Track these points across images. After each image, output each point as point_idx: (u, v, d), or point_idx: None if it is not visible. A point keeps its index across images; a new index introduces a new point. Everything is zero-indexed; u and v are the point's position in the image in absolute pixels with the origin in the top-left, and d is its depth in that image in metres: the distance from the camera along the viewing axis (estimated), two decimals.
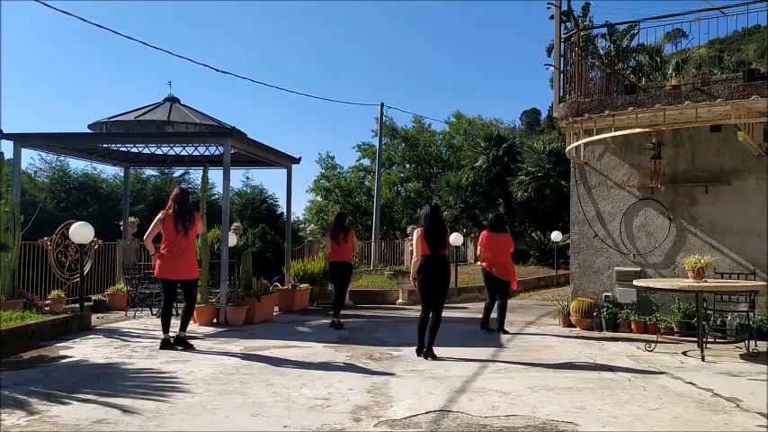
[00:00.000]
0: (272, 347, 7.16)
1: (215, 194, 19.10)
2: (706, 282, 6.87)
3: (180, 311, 9.97)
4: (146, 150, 11.75)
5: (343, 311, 9.32)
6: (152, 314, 9.99)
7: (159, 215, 7.16)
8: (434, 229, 6.60)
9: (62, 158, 17.97)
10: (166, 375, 5.65)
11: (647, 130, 7.98)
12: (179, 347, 7.00)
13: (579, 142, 8.62)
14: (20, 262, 9.34)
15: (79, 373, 5.73)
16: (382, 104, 24.84)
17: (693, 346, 7.05)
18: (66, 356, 6.54)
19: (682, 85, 8.17)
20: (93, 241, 10.68)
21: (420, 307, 6.81)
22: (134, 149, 11.78)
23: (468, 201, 24.86)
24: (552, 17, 8.84)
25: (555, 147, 23.36)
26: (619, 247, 8.94)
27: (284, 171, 12.31)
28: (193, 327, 8.80)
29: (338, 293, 9.13)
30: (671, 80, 8.46)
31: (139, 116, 10.45)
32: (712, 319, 7.91)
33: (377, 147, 26.97)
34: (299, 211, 41.81)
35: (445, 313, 10.57)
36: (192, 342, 7.23)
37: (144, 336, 7.98)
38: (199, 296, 9.22)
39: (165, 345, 7.00)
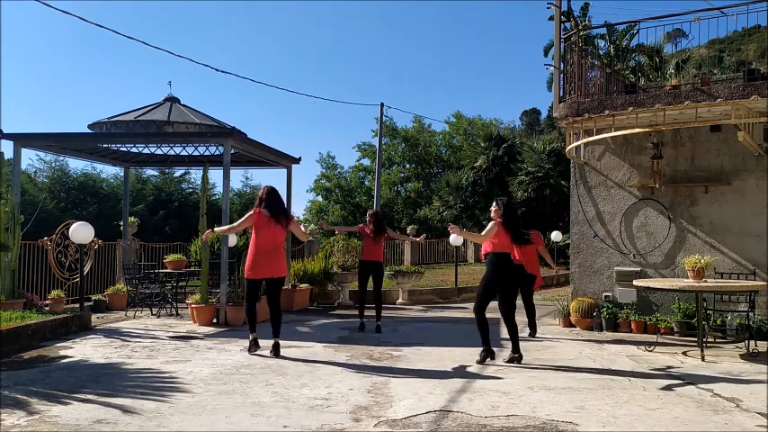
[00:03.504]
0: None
1: (215, 194, 19.12)
2: (706, 282, 6.87)
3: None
4: (146, 150, 11.76)
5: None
6: (152, 314, 10.00)
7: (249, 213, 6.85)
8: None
9: (62, 158, 18.03)
10: (166, 375, 5.65)
11: (647, 130, 7.98)
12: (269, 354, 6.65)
13: (579, 142, 8.62)
14: (20, 262, 9.34)
15: (79, 373, 5.73)
16: (382, 104, 24.82)
17: (693, 346, 7.05)
18: (66, 356, 6.54)
19: (682, 85, 8.17)
20: (93, 241, 10.68)
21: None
22: (134, 149, 11.79)
23: (468, 201, 24.87)
24: (552, 17, 8.84)
25: (555, 147, 23.36)
26: (619, 247, 8.94)
27: (284, 171, 12.31)
28: (193, 327, 8.81)
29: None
30: (671, 80, 8.45)
31: (139, 116, 10.45)
32: (712, 319, 7.91)
33: (377, 147, 26.96)
34: (299, 211, 41.82)
35: (445, 313, 10.61)
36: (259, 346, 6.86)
37: (144, 336, 7.98)
38: (198, 296, 9.25)
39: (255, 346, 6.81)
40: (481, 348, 6.33)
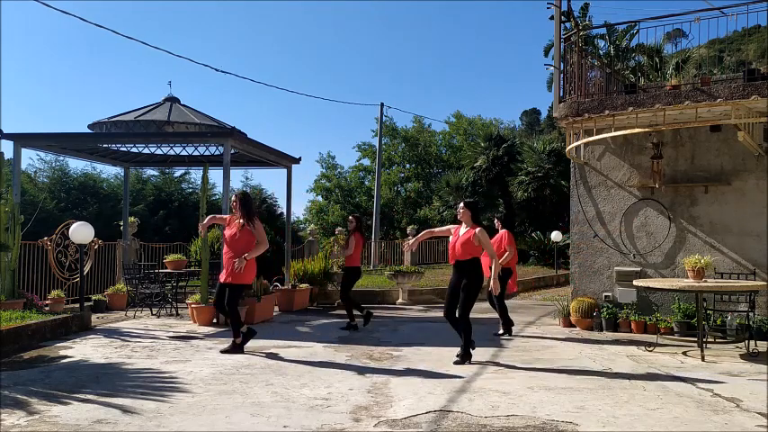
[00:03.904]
0: (272, 347, 7.16)
1: (215, 194, 19.10)
2: (706, 282, 6.87)
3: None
4: (146, 150, 11.77)
5: (343, 311, 9.35)
6: (152, 314, 10.00)
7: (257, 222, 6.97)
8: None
9: (62, 158, 18.01)
10: (166, 375, 5.65)
11: (647, 130, 7.98)
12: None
13: (579, 142, 8.62)
14: (20, 262, 9.34)
15: (79, 373, 5.73)
16: (382, 104, 24.83)
17: (693, 346, 7.05)
18: (66, 356, 6.54)
19: (682, 85, 8.16)
20: (93, 241, 10.68)
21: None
22: (134, 149, 11.80)
23: None
24: (552, 17, 8.83)
25: (555, 147, 23.36)
26: (619, 247, 8.94)
27: (284, 171, 12.32)
28: (193, 327, 8.81)
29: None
30: (671, 80, 8.45)
31: (139, 116, 10.46)
32: (712, 319, 7.91)
33: (377, 147, 26.95)
34: (299, 211, 41.89)
35: (442, 314, 10.57)
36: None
37: (144, 336, 7.98)
38: (198, 296, 9.26)
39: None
40: (482, 348, 6.35)
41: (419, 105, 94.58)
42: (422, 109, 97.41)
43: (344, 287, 9.02)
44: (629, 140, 8.84)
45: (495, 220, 8.78)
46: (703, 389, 5.23)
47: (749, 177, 8.17)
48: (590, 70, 9.42)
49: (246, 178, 21.85)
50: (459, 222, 6.58)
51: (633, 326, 8.46)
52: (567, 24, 8.93)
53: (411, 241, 7.11)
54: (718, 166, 8.36)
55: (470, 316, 6.33)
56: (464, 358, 6.27)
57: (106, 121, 10.45)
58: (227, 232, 6.93)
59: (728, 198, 8.28)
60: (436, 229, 7.07)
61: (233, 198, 7.11)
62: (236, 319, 6.93)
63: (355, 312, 8.81)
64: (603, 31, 23.66)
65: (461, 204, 6.57)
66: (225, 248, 6.94)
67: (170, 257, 10.51)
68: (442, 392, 5.04)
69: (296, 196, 28.95)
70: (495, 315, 8.51)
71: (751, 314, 7.31)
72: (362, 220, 9.20)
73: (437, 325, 9.51)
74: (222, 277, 6.89)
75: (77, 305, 9.16)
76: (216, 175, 24.77)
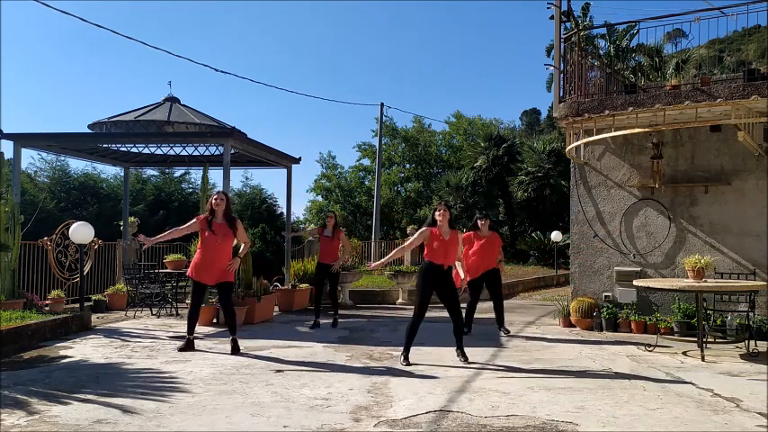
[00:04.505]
0: (272, 347, 7.16)
1: None
2: (706, 282, 6.87)
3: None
4: (146, 150, 11.77)
5: (343, 311, 9.37)
6: (152, 314, 10.00)
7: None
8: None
9: (62, 158, 17.99)
10: (166, 375, 5.65)
11: (647, 130, 7.98)
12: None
13: (579, 142, 8.62)
14: (20, 262, 9.34)
15: (79, 373, 5.74)
16: (382, 104, 24.80)
17: (693, 346, 7.05)
18: (66, 356, 6.54)
19: (682, 85, 8.16)
20: (93, 241, 10.68)
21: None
22: (134, 149, 11.80)
23: (468, 201, 24.85)
24: (552, 17, 8.83)
25: (555, 147, 23.36)
26: (619, 247, 8.94)
27: (284, 171, 12.32)
28: None
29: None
30: (671, 80, 8.45)
31: (139, 116, 10.46)
32: (712, 319, 7.91)
33: (377, 147, 26.95)
34: (299, 210, 41.87)
35: (444, 313, 10.57)
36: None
37: (144, 336, 7.98)
38: None
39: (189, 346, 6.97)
40: (482, 348, 6.37)
41: (419, 105, 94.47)
42: (422, 109, 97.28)
43: (333, 284, 9.31)
44: (629, 140, 8.85)
45: (481, 220, 8.39)
46: (703, 389, 5.23)
47: (749, 177, 8.18)
48: (590, 70, 9.42)
49: (246, 178, 21.84)
50: (433, 224, 6.25)
51: (633, 326, 8.46)
52: (568, 24, 8.93)
53: (378, 263, 6.70)
54: (718, 166, 8.36)
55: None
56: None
57: (106, 121, 10.45)
58: (217, 234, 6.75)
59: (728, 198, 8.29)
60: (407, 244, 6.61)
61: (216, 197, 6.85)
62: (234, 315, 7.04)
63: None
64: (604, 31, 23.66)
65: (443, 205, 6.33)
66: (211, 251, 6.73)
67: (170, 257, 10.51)
68: (442, 392, 5.04)
69: (296, 196, 28.97)
70: (494, 315, 8.54)
71: (751, 314, 7.31)
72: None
73: (437, 325, 9.51)
74: (208, 277, 6.79)
75: (77, 305, 9.16)
76: (216, 175, 24.79)
